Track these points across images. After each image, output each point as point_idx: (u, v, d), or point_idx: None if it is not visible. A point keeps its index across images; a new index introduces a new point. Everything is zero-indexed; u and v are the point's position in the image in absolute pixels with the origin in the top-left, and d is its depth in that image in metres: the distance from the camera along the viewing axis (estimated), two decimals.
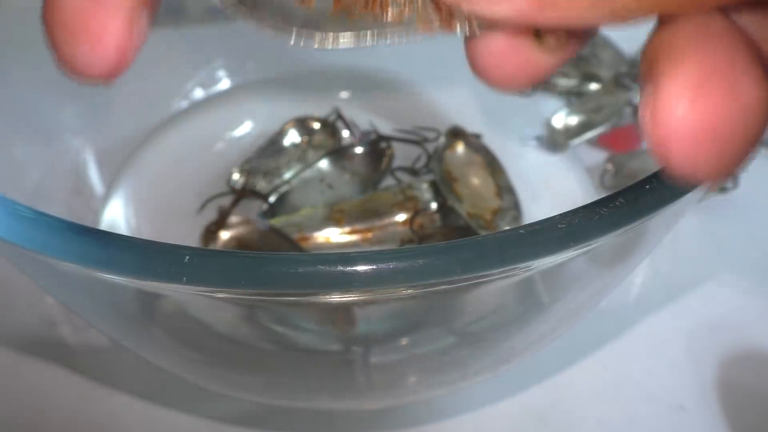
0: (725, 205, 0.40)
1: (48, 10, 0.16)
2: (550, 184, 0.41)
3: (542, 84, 0.46)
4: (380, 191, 0.39)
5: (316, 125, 0.42)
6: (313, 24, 0.16)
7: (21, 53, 0.36)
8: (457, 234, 0.37)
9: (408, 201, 0.38)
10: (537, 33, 0.16)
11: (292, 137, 0.41)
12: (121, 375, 0.34)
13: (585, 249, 0.19)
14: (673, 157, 0.15)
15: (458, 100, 0.45)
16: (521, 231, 0.18)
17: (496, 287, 0.24)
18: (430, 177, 0.40)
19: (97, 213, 0.38)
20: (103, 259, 0.18)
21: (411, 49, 0.46)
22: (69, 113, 0.39)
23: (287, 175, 0.40)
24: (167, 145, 0.42)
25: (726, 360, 0.34)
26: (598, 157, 0.42)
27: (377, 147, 0.41)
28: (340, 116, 0.42)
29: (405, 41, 0.16)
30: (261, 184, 0.39)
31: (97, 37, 0.16)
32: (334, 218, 0.38)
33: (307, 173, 0.40)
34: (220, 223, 0.37)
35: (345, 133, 0.42)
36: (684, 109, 0.15)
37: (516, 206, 0.38)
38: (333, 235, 0.38)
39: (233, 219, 0.37)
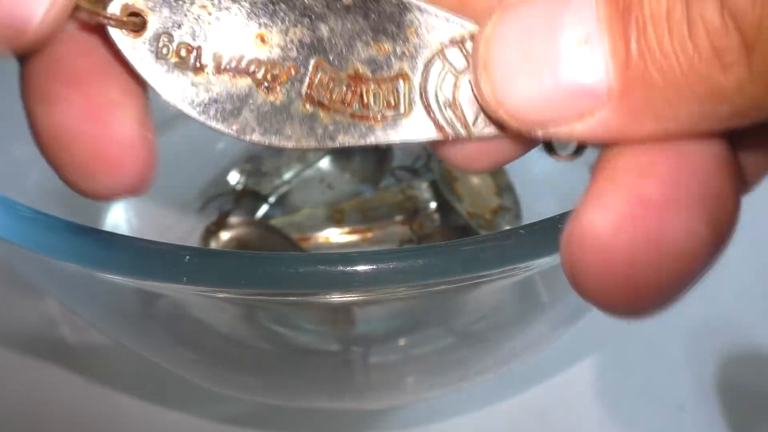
0: None
1: (48, 145, 0.16)
2: (551, 183, 0.41)
3: None
4: (380, 191, 0.39)
5: None
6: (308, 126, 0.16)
7: None
8: (457, 234, 0.37)
9: (408, 201, 0.38)
10: (550, 146, 0.16)
11: None
12: (121, 375, 0.34)
13: None
14: (580, 279, 0.14)
15: None
16: (521, 231, 0.18)
17: (496, 287, 0.24)
18: (430, 177, 0.40)
19: (98, 213, 0.38)
20: (103, 259, 0.18)
21: None
22: None
23: (287, 175, 0.40)
24: (167, 145, 0.42)
25: (725, 360, 0.34)
26: None
27: (377, 147, 0.41)
28: None
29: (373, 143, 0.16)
30: (261, 184, 0.39)
31: (112, 164, 0.16)
32: (334, 218, 0.38)
33: (307, 173, 0.40)
34: (220, 223, 0.37)
35: None
36: (601, 232, 0.13)
37: (516, 206, 0.38)
38: (333, 235, 0.38)
39: (233, 219, 0.37)
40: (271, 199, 0.39)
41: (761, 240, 0.40)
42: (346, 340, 0.27)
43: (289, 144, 0.16)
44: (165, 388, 0.33)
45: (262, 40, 0.16)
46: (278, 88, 0.16)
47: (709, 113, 0.13)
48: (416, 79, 0.16)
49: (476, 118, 0.16)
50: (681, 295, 0.14)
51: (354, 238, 0.38)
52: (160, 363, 0.30)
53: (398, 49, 0.16)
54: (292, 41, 0.16)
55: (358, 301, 0.23)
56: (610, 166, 0.14)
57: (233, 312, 0.26)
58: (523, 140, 0.16)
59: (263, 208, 0.39)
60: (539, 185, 0.40)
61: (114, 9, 0.15)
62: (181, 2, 0.15)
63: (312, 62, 0.16)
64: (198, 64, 0.16)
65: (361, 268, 0.17)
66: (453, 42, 0.16)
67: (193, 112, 0.16)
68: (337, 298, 0.21)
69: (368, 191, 0.39)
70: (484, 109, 0.16)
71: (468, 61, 0.16)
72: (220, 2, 0.16)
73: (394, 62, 0.16)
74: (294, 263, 0.17)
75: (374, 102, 0.16)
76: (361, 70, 0.16)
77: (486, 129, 0.16)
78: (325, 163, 0.40)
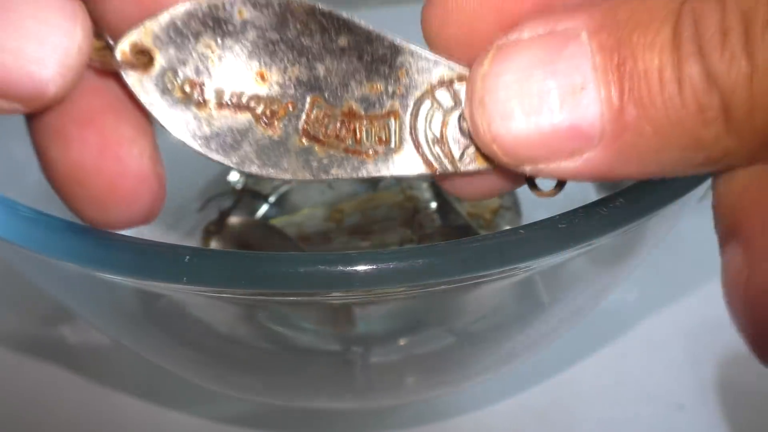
0: None
1: (62, 181, 0.16)
2: (551, 183, 0.41)
3: None
4: (380, 191, 0.39)
5: None
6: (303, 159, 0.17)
7: None
8: (457, 234, 0.37)
9: (408, 201, 0.38)
10: (532, 182, 0.17)
11: None
12: (121, 375, 0.34)
13: (585, 249, 0.19)
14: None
15: None
16: (521, 231, 0.18)
17: (496, 287, 0.24)
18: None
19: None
20: (103, 259, 0.18)
21: None
22: None
23: None
24: (167, 145, 0.42)
25: (725, 360, 0.34)
26: None
27: None
28: None
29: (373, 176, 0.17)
30: (261, 184, 0.39)
31: (126, 198, 0.16)
32: (334, 218, 0.38)
33: None
34: (220, 223, 0.37)
35: None
36: None
37: (516, 205, 0.38)
38: (333, 236, 0.38)
39: (233, 219, 0.37)
40: (271, 199, 0.39)
41: None
42: (346, 340, 0.27)
43: (286, 176, 0.17)
44: (165, 388, 0.33)
45: (262, 77, 0.17)
46: (276, 123, 0.17)
47: (687, 159, 0.14)
48: (406, 117, 0.17)
49: (462, 155, 0.17)
50: None
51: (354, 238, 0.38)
52: (160, 363, 0.30)
53: (390, 89, 0.17)
54: (290, 79, 0.17)
55: (358, 301, 0.23)
56: (752, 200, 0.15)
57: (233, 312, 0.26)
58: (507, 176, 0.17)
59: (263, 208, 0.39)
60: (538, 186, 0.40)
61: (123, 46, 0.16)
62: (186, 41, 0.16)
63: (309, 99, 0.17)
64: (201, 99, 0.17)
65: (361, 268, 0.17)
66: (442, 83, 0.17)
67: (195, 145, 0.17)
68: (337, 298, 0.21)
69: (368, 191, 0.39)
70: (475, 143, 0.17)
71: (456, 102, 0.17)
72: (223, 41, 0.16)
73: (385, 101, 0.17)
74: (294, 263, 0.17)
75: (366, 138, 0.17)
76: (354, 108, 0.17)
77: (471, 165, 0.17)
78: None
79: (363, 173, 0.17)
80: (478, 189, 0.18)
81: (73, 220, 0.18)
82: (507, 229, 0.19)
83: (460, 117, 0.17)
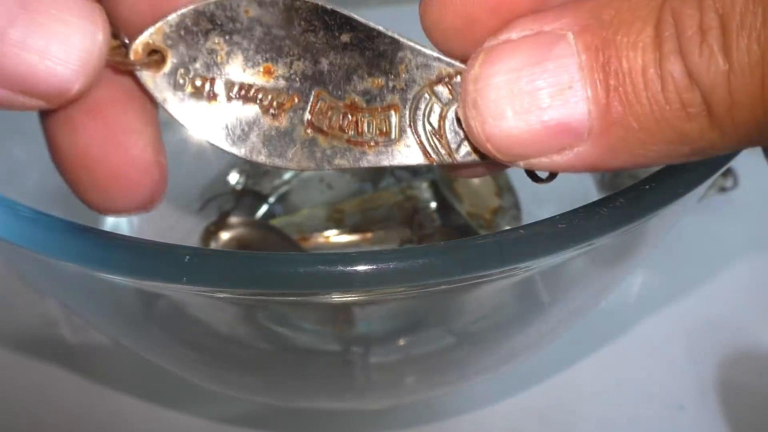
0: (725, 205, 0.40)
1: (68, 167, 0.17)
2: (550, 183, 0.41)
3: None
4: (380, 191, 0.39)
5: None
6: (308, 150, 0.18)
7: None
8: (457, 234, 0.37)
9: (408, 201, 0.38)
10: (533, 174, 0.18)
11: None
12: (121, 375, 0.34)
13: (585, 249, 0.19)
14: None
15: None
16: (521, 231, 0.18)
17: (496, 287, 0.24)
18: (430, 177, 0.40)
19: (98, 214, 0.38)
20: (103, 259, 0.18)
21: None
22: None
23: (287, 175, 0.40)
24: (167, 145, 0.42)
25: (725, 360, 0.34)
26: None
27: None
28: None
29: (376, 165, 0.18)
30: (261, 184, 0.39)
31: (129, 185, 0.17)
32: (334, 218, 0.38)
33: (307, 173, 0.40)
34: (220, 223, 0.37)
35: None
36: None
37: (516, 206, 0.38)
38: (333, 235, 0.38)
39: (233, 219, 0.37)
40: (271, 199, 0.39)
41: (761, 240, 0.40)
42: (346, 340, 0.27)
43: (291, 165, 0.18)
44: (165, 388, 0.33)
45: (269, 71, 0.18)
46: (283, 114, 0.18)
47: (673, 151, 0.15)
48: (406, 111, 0.18)
49: (459, 146, 0.18)
50: None
51: (354, 238, 0.38)
52: (160, 363, 0.30)
53: (390, 83, 0.18)
54: (295, 73, 0.18)
55: (358, 301, 0.23)
56: None
57: (233, 312, 0.26)
58: (503, 165, 0.18)
59: (263, 208, 0.39)
60: (538, 188, 0.40)
61: (137, 47, 0.17)
62: (196, 39, 0.17)
63: (313, 92, 0.18)
64: (212, 93, 0.17)
65: (361, 268, 0.17)
66: (440, 78, 0.18)
67: (206, 136, 0.18)
68: (337, 298, 0.21)
69: (368, 191, 0.39)
70: (470, 141, 0.17)
71: (453, 96, 0.18)
72: (231, 38, 0.17)
73: (386, 94, 0.18)
74: (294, 263, 0.17)
75: (368, 129, 0.18)
76: (357, 101, 0.18)
77: (468, 156, 0.18)
78: None
79: (364, 163, 0.18)
80: (474, 173, 0.19)
81: (72, 220, 0.18)
82: (507, 229, 0.19)
83: (457, 111, 0.17)
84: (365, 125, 0.18)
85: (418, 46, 0.18)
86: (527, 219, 0.38)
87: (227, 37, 0.17)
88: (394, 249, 0.18)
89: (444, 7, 0.17)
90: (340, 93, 0.18)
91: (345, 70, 0.18)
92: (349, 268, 0.17)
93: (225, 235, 0.37)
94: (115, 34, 0.16)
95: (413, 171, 0.40)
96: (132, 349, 0.29)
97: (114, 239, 0.18)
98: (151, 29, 0.17)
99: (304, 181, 0.40)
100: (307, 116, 0.18)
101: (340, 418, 0.33)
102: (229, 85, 0.17)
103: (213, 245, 0.36)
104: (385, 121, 0.18)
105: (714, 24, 0.14)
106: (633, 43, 0.14)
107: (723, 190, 0.40)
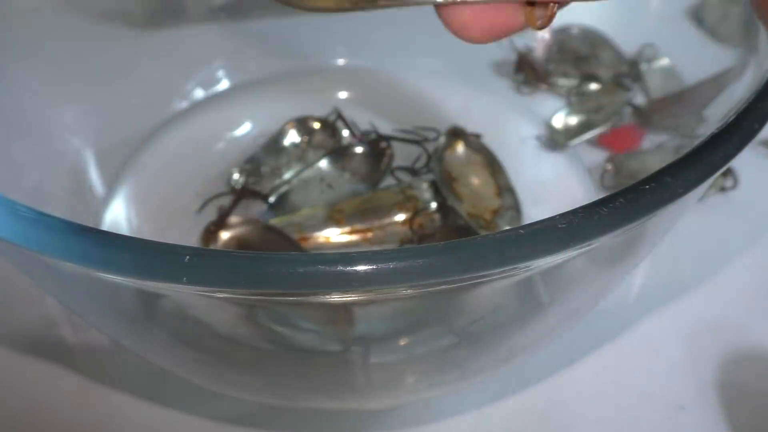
0: (725, 205, 0.40)
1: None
2: (550, 183, 0.41)
3: (542, 84, 0.46)
4: (380, 191, 0.39)
5: (316, 125, 0.42)
6: None
7: (21, 53, 0.36)
8: (457, 234, 0.37)
9: (408, 201, 0.38)
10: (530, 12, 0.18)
11: (292, 137, 0.41)
12: (121, 375, 0.34)
13: (585, 249, 0.19)
14: None
15: (458, 100, 0.45)
16: (521, 231, 0.18)
17: (496, 287, 0.24)
18: (430, 177, 0.40)
19: (98, 213, 0.38)
20: (103, 259, 0.18)
21: (411, 48, 0.46)
22: (69, 113, 0.39)
23: (287, 175, 0.40)
24: (167, 145, 0.42)
25: (726, 360, 0.34)
26: (598, 157, 0.42)
27: (377, 147, 0.41)
28: (340, 116, 0.42)
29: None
30: (261, 184, 0.39)
31: None
32: (334, 218, 0.38)
33: (307, 173, 0.40)
34: (220, 223, 0.37)
35: (345, 133, 0.42)
36: None
37: (516, 206, 0.38)
38: (333, 235, 0.38)
39: (233, 219, 0.37)
40: (271, 199, 0.39)
41: (761, 240, 0.40)
42: (346, 340, 0.27)
43: (329, 4, 0.18)
44: (165, 388, 0.33)
45: None
46: None
47: None
48: None
49: None
50: None
51: (354, 238, 0.38)
52: (160, 363, 0.30)
53: None
54: None
55: (358, 301, 0.23)
56: None
57: (233, 312, 0.26)
58: (507, 11, 0.18)
59: (263, 208, 0.39)
60: (538, 188, 0.40)
61: None
62: None
63: None
64: None
65: (361, 268, 0.17)
66: None
67: None
68: (337, 298, 0.21)
69: (368, 191, 0.39)
70: None
71: None
72: None
73: None
74: (294, 263, 0.17)
75: None
76: None
77: None
78: (324, 162, 0.40)
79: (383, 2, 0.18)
80: (482, 25, 0.19)
81: (72, 220, 0.18)
82: (507, 229, 0.19)
83: None
84: None
85: None
86: (527, 219, 0.38)
87: None
88: (394, 249, 0.18)
89: None
90: None
91: None
92: (348, 268, 0.17)
93: (225, 235, 0.37)
94: None
95: (413, 171, 0.40)
96: (132, 349, 0.29)
97: (114, 239, 0.18)
98: None
99: (304, 180, 0.40)
100: None
101: (340, 418, 0.33)
102: None
103: (213, 245, 0.36)
104: None
105: None
106: None
107: (723, 190, 0.40)
